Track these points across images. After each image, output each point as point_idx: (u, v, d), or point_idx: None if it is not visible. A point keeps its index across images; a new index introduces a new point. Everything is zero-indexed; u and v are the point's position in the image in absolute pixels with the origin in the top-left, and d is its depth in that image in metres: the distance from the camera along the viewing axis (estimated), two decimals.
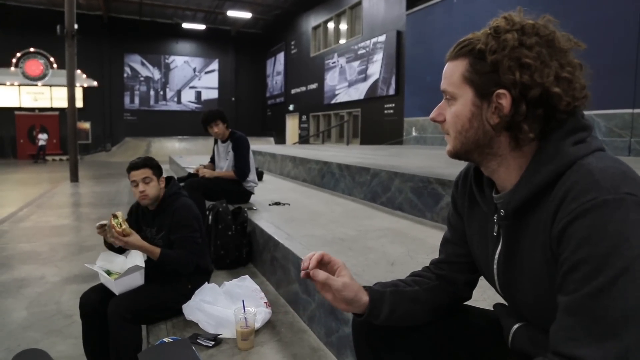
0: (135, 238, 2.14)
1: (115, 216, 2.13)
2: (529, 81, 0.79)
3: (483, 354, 1.03)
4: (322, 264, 0.99)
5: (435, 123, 0.94)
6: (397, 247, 2.47)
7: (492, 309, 1.11)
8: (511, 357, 0.94)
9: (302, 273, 0.96)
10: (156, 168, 2.34)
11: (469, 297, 1.11)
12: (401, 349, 1.06)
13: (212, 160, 4.20)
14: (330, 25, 18.40)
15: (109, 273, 2.22)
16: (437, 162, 4.88)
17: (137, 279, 2.18)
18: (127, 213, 2.47)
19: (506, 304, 1.02)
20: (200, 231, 2.35)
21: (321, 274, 0.95)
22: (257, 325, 2.08)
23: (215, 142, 4.11)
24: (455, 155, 0.92)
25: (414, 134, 11.59)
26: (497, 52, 0.81)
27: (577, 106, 0.82)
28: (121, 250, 2.35)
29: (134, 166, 2.30)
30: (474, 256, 1.03)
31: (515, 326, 0.93)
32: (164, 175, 2.41)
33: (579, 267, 0.70)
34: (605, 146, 0.82)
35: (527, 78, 0.79)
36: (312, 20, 19.56)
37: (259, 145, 12.04)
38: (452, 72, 0.88)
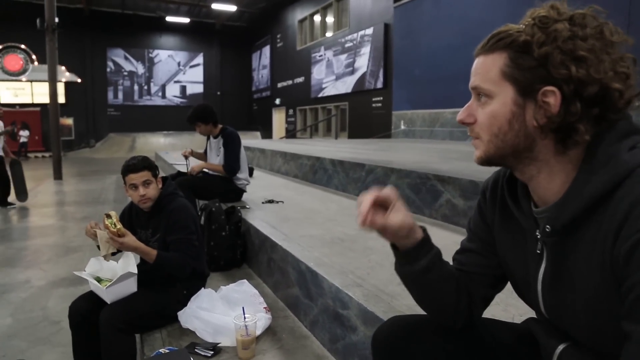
0: (131, 239, 2.02)
1: (108, 216, 2.01)
2: (585, 76, 0.70)
3: None
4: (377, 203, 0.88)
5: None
6: None
7: (520, 323, 1.03)
8: None
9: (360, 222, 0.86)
10: (154, 168, 2.22)
11: (479, 315, 1.01)
12: None
13: (205, 152, 4.11)
14: (317, 18, 18.24)
15: (99, 280, 2.10)
16: (432, 157, 4.82)
17: (130, 286, 2.07)
18: (119, 214, 2.35)
19: (539, 319, 0.94)
20: (197, 233, 2.25)
21: (377, 223, 0.86)
22: (258, 332, 1.99)
23: (208, 137, 4.00)
24: (487, 161, 0.82)
25: (402, 127, 11.54)
26: (547, 44, 0.72)
27: (632, 104, 0.73)
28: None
29: (132, 169, 2.15)
30: (509, 274, 0.94)
31: (561, 347, 0.85)
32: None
33: None
34: None
35: (584, 73, 0.70)
36: (298, 13, 19.37)
37: (247, 140, 11.89)
38: (488, 67, 0.78)
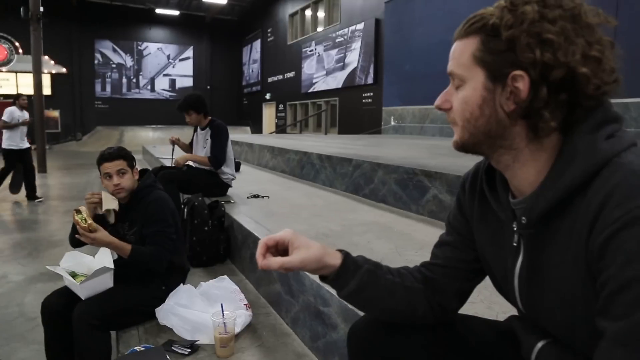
0: (103, 234, 1.96)
1: (78, 211, 1.95)
2: (551, 60, 0.67)
3: None
4: (272, 247, 0.90)
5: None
6: (384, 243, 2.36)
7: (501, 321, 1.00)
8: None
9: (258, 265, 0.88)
10: (130, 159, 2.17)
11: (455, 310, 0.98)
12: None
13: (191, 145, 4.04)
14: (308, 12, 18.12)
15: (74, 275, 2.04)
16: (420, 153, 4.79)
17: (106, 282, 2.01)
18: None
19: (520, 316, 0.91)
20: (175, 227, 2.18)
21: (273, 264, 0.86)
22: (237, 329, 1.94)
23: (195, 129, 3.93)
24: (462, 147, 0.80)
25: (392, 123, 11.51)
26: (514, 27, 0.68)
27: (606, 91, 0.70)
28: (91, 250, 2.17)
29: (106, 157, 2.12)
30: (488, 269, 0.91)
31: (540, 344, 0.82)
32: (138, 166, 2.23)
33: (629, 287, 0.58)
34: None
35: (549, 56, 0.67)
36: (289, 8, 19.24)
37: (236, 134, 11.79)
38: (461, 51, 0.76)
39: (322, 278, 0.93)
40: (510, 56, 0.70)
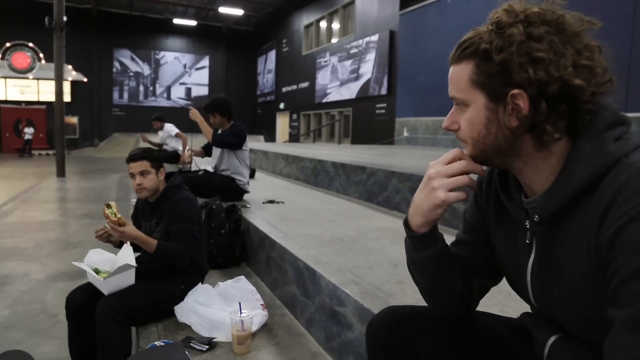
0: (131, 228, 2.07)
1: (108, 206, 2.05)
2: (544, 77, 0.71)
3: None
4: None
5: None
6: (398, 248, 2.40)
7: (514, 318, 1.04)
8: None
9: None
10: (155, 160, 2.26)
11: (475, 306, 1.01)
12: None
13: (208, 146, 4.15)
14: (323, 24, 18.31)
15: (97, 272, 2.11)
16: None
17: (128, 279, 2.08)
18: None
19: (532, 313, 0.94)
20: (199, 226, 2.27)
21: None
22: (254, 328, 1.99)
23: (216, 131, 4.01)
24: (475, 161, 0.84)
25: (405, 134, 11.54)
26: (504, 51, 0.72)
27: (602, 93, 0.74)
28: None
29: (131, 158, 2.23)
30: (502, 266, 0.95)
31: (553, 338, 0.85)
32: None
33: (637, 277, 0.62)
34: None
35: (542, 74, 0.71)
36: (305, 19, 19.45)
37: (250, 143, 11.93)
38: (458, 77, 0.80)
39: (409, 234, 0.93)
40: (505, 77, 0.73)
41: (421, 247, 0.92)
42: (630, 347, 0.62)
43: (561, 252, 0.77)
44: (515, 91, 0.73)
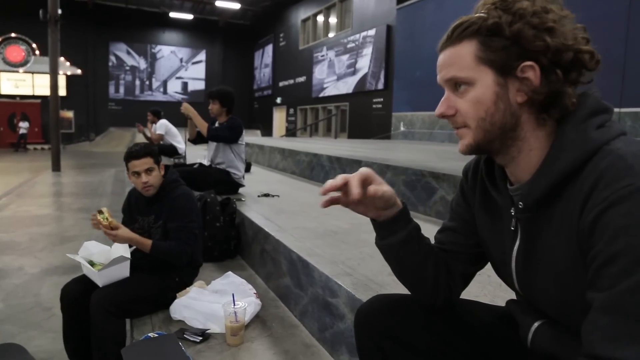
0: (124, 231, 2.06)
1: (100, 212, 2.06)
2: (559, 44, 0.73)
3: (496, 352, 0.96)
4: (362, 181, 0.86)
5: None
6: None
7: (500, 305, 1.05)
8: (530, 357, 0.88)
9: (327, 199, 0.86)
10: (156, 155, 2.24)
11: (460, 292, 1.03)
12: (407, 347, 0.98)
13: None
14: (320, 18, 18.26)
15: (92, 264, 2.12)
16: (429, 157, 4.83)
17: (123, 271, 2.09)
18: (122, 208, 2.41)
19: (517, 300, 0.96)
20: (198, 222, 2.27)
21: (371, 190, 0.84)
22: (247, 318, 2.00)
23: (213, 122, 4.01)
24: (476, 148, 0.82)
25: (402, 128, 11.55)
26: (516, 22, 0.74)
27: (598, 62, 0.76)
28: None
29: (134, 155, 2.16)
30: (488, 253, 0.96)
31: (536, 324, 0.87)
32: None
33: (615, 260, 0.63)
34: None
35: (558, 41, 0.73)
36: (302, 13, 19.39)
37: (246, 137, 11.92)
38: (461, 56, 0.79)
39: (373, 221, 0.94)
40: (515, 49, 0.74)
41: (385, 234, 0.94)
42: (607, 329, 0.63)
43: (545, 239, 0.78)
44: (526, 63, 0.74)
